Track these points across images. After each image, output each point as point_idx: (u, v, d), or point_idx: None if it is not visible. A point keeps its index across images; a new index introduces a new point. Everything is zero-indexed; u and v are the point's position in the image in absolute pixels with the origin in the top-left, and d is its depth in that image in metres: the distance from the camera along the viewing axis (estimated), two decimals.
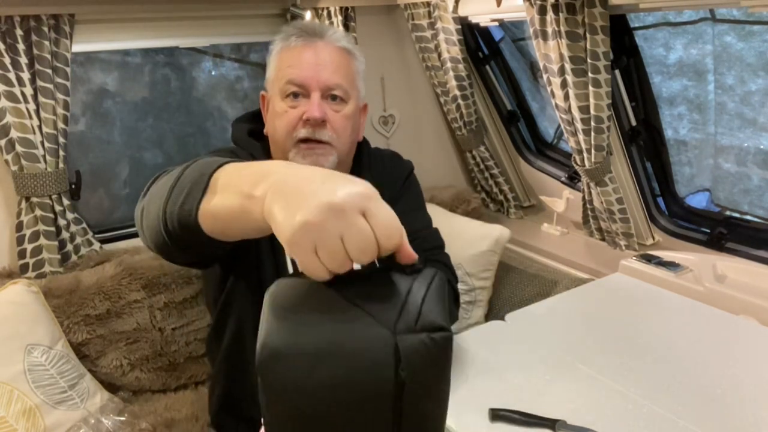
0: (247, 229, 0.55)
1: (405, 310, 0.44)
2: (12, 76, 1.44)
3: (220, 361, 1.16)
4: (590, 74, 1.50)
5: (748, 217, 1.66)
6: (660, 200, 1.82)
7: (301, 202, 0.45)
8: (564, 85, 1.58)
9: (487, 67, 2.11)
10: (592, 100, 1.54)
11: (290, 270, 1.10)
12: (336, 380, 0.41)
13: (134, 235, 1.81)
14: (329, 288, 0.45)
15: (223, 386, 1.17)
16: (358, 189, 0.45)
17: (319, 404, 0.42)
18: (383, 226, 0.44)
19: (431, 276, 0.48)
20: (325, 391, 0.42)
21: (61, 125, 1.53)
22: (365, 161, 1.16)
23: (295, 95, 1.00)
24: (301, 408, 0.42)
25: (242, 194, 0.54)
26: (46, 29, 1.45)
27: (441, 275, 0.49)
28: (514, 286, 1.75)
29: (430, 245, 1.17)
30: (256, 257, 1.07)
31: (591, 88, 1.52)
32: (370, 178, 1.07)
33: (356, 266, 0.45)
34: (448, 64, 1.99)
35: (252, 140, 1.10)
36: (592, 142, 1.62)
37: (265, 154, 1.11)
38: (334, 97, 1.03)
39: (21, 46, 1.44)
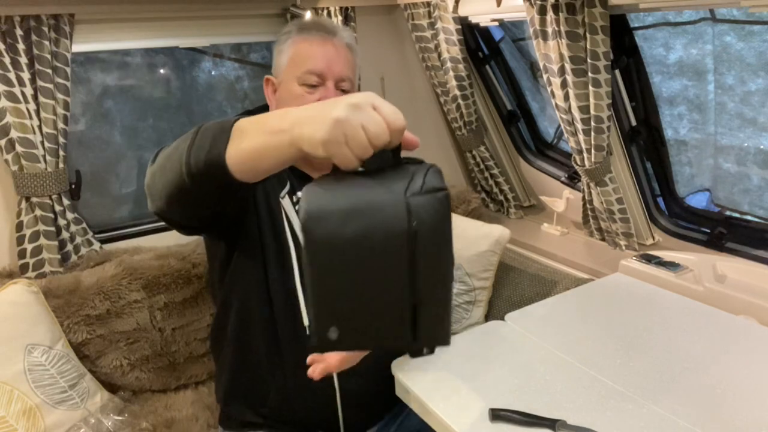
0: (277, 160, 0.68)
1: (412, 181, 0.57)
2: (12, 76, 1.44)
3: (227, 347, 1.20)
4: (590, 74, 1.50)
5: (748, 217, 1.65)
6: (660, 200, 1.82)
7: (327, 112, 0.59)
8: (564, 85, 1.58)
9: (487, 67, 2.11)
10: (592, 100, 1.54)
11: (296, 268, 1.11)
12: (362, 233, 0.54)
13: (134, 235, 1.81)
14: (353, 175, 0.59)
15: (231, 372, 1.21)
16: (365, 93, 0.61)
17: (349, 255, 0.54)
18: (390, 113, 0.59)
19: (429, 165, 0.62)
20: (354, 243, 0.54)
21: (61, 125, 1.53)
22: None
23: (312, 84, 1.12)
24: (335, 260, 0.54)
25: (270, 132, 0.67)
26: (46, 29, 1.45)
27: (437, 167, 0.62)
28: (514, 286, 1.75)
29: None
30: (259, 239, 1.12)
31: (591, 88, 1.52)
32: None
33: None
34: (448, 64, 1.99)
35: None
36: (592, 142, 1.62)
37: None
38: (341, 88, 1.15)
39: (21, 46, 1.44)
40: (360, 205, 0.55)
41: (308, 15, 1.79)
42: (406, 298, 0.56)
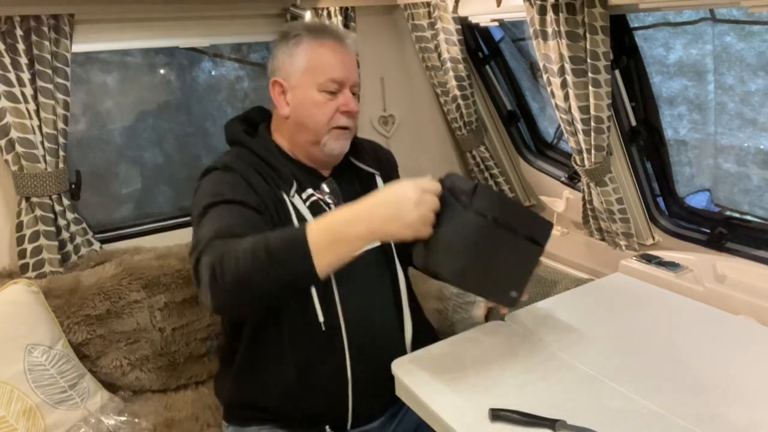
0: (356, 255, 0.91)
1: (458, 199, 0.92)
2: (12, 76, 1.44)
3: (237, 343, 1.22)
4: (590, 74, 1.50)
5: (748, 217, 1.65)
6: (660, 200, 1.82)
7: (405, 214, 0.87)
8: (564, 85, 1.58)
9: (487, 67, 2.11)
10: (592, 100, 1.54)
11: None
12: (475, 240, 0.93)
13: (134, 235, 1.81)
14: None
15: (240, 367, 1.22)
16: (412, 184, 0.89)
17: (483, 255, 0.95)
18: (433, 188, 0.91)
19: (446, 184, 0.95)
20: (479, 247, 0.94)
21: (61, 125, 1.53)
22: (360, 145, 1.34)
23: (332, 91, 1.18)
24: (480, 263, 0.95)
25: (353, 240, 0.89)
26: (46, 29, 1.45)
27: (451, 177, 0.96)
28: None
29: None
30: None
31: (591, 88, 1.52)
32: (371, 161, 1.28)
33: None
34: (448, 64, 1.99)
35: (257, 138, 1.25)
36: (592, 142, 1.62)
37: (272, 144, 1.24)
38: (353, 92, 1.22)
39: (21, 46, 1.44)
40: (463, 232, 0.91)
41: (308, 15, 1.79)
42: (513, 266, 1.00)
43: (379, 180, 1.31)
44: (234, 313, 1.12)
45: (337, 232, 0.88)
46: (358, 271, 1.07)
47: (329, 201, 1.22)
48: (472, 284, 1.00)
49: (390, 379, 1.06)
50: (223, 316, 1.14)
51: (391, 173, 1.35)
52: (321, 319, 1.14)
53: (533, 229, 0.99)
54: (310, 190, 1.21)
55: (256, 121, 1.31)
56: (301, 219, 1.16)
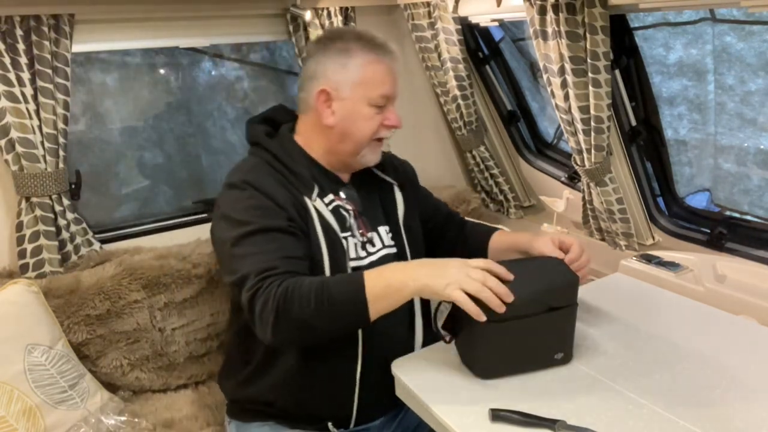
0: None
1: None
2: (12, 76, 1.44)
3: (249, 342, 1.21)
4: (590, 74, 1.50)
5: (748, 217, 1.66)
6: (660, 200, 1.82)
7: (446, 265, 0.98)
8: (564, 85, 1.58)
9: (487, 67, 2.11)
10: (592, 100, 1.54)
11: (326, 266, 1.17)
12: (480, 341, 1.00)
13: (134, 235, 1.81)
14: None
15: (251, 364, 1.24)
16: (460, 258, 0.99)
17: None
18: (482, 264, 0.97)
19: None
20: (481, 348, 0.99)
21: (61, 125, 1.53)
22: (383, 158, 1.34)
23: (380, 105, 1.21)
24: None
25: (405, 296, 0.98)
26: (46, 29, 1.45)
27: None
28: None
29: (459, 217, 1.49)
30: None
31: (591, 88, 1.52)
32: (389, 170, 1.35)
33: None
34: (448, 64, 1.99)
35: (277, 140, 1.25)
36: (592, 142, 1.62)
37: (294, 147, 1.24)
38: (393, 104, 1.27)
39: (21, 46, 1.44)
40: (473, 339, 1.01)
41: (308, 15, 1.79)
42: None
43: (396, 190, 1.32)
44: (288, 346, 1.16)
45: (388, 286, 0.97)
46: None
47: (348, 207, 1.22)
48: (506, 372, 1.01)
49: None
50: (278, 347, 1.17)
51: (406, 183, 1.36)
52: None
53: (551, 299, 0.97)
54: (331, 196, 1.21)
55: (278, 120, 1.30)
56: (325, 224, 1.16)
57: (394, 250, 1.27)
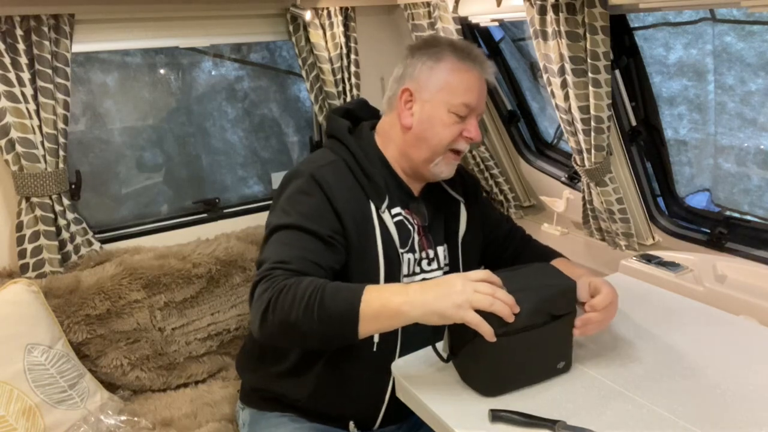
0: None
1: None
2: (12, 76, 1.44)
3: (279, 356, 1.22)
4: (590, 74, 1.50)
5: (748, 217, 1.65)
6: (660, 200, 1.82)
7: (450, 286, 0.91)
8: (564, 85, 1.58)
9: None
10: (592, 100, 1.54)
11: (382, 272, 1.15)
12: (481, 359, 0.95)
13: (134, 235, 1.81)
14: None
15: (274, 375, 1.23)
16: (465, 274, 0.93)
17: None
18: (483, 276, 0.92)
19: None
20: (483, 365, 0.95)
21: (61, 125, 1.53)
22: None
23: (461, 115, 1.17)
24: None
25: (396, 312, 0.91)
26: (46, 29, 1.45)
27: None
28: None
29: (521, 233, 1.42)
30: (345, 246, 1.13)
31: (591, 88, 1.52)
32: (458, 186, 1.31)
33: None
34: None
35: (360, 139, 1.22)
36: (592, 142, 1.62)
37: (374, 151, 1.22)
38: (476, 119, 1.22)
39: (21, 46, 1.44)
40: (474, 359, 0.97)
41: (308, 15, 1.79)
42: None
43: (462, 209, 1.29)
44: (274, 343, 1.15)
45: (384, 306, 0.92)
46: None
47: (414, 222, 1.21)
48: (511, 387, 0.97)
49: None
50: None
51: (470, 197, 1.33)
52: (376, 340, 1.15)
53: (552, 307, 0.94)
54: (398, 208, 1.19)
55: (359, 116, 1.28)
56: (386, 236, 1.15)
57: (447, 269, 1.26)
